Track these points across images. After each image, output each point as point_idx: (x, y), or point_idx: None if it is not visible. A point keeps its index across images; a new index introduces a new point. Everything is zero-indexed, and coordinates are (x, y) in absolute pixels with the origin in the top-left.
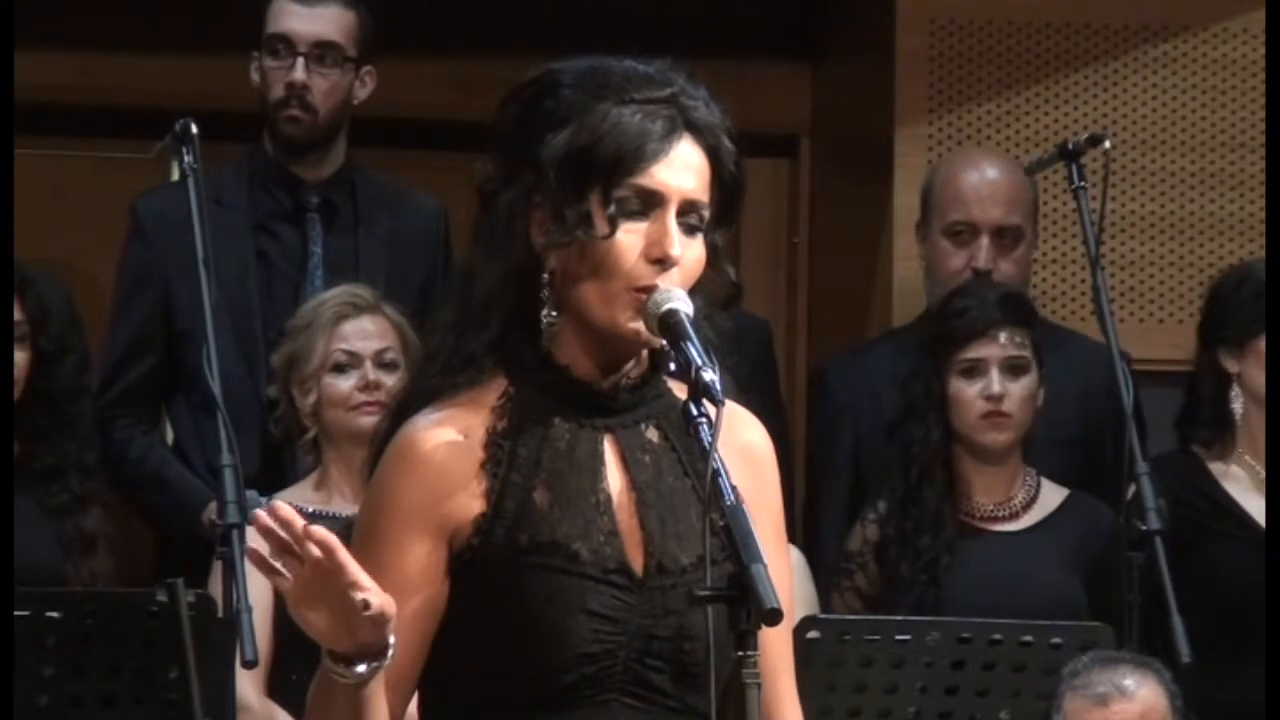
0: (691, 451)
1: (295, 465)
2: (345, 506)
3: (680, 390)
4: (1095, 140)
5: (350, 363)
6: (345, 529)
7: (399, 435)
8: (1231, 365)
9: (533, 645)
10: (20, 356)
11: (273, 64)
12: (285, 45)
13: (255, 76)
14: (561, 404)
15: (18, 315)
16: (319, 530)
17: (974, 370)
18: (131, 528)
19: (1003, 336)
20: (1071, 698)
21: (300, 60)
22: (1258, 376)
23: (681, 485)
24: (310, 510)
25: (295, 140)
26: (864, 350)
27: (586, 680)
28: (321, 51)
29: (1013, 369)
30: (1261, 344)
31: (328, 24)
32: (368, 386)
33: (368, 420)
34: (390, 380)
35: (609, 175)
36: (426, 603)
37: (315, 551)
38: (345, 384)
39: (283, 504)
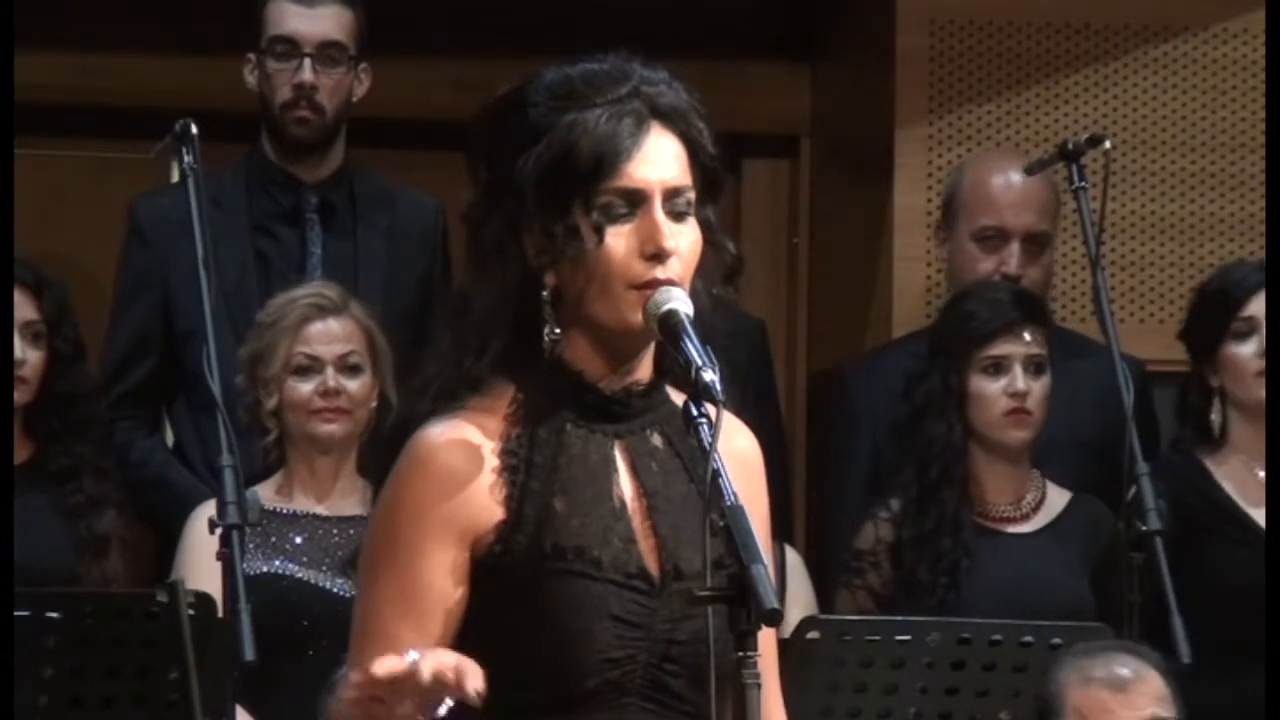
0: (694, 457)
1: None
2: (307, 506)
3: (680, 396)
4: (1095, 140)
5: (312, 366)
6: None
7: (412, 443)
8: (1214, 380)
9: (557, 650)
10: (36, 356)
11: (278, 66)
12: (290, 47)
13: (251, 80)
14: (572, 410)
15: (35, 315)
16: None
17: (997, 368)
18: (135, 528)
19: (1026, 334)
20: (1084, 690)
21: (307, 61)
22: (1232, 385)
23: (688, 491)
24: (271, 508)
25: (303, 141)
26: (882, 353)
27: (608, 685)
28: (327, 51)
29: (1035, 367)
30: (1228, 349)
31: (330, 23)
32: (328, 393)
33: (326, 427)
34: (353, 385)
35: (586, 185)
36: (446, 608)
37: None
38: (306, 388)
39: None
